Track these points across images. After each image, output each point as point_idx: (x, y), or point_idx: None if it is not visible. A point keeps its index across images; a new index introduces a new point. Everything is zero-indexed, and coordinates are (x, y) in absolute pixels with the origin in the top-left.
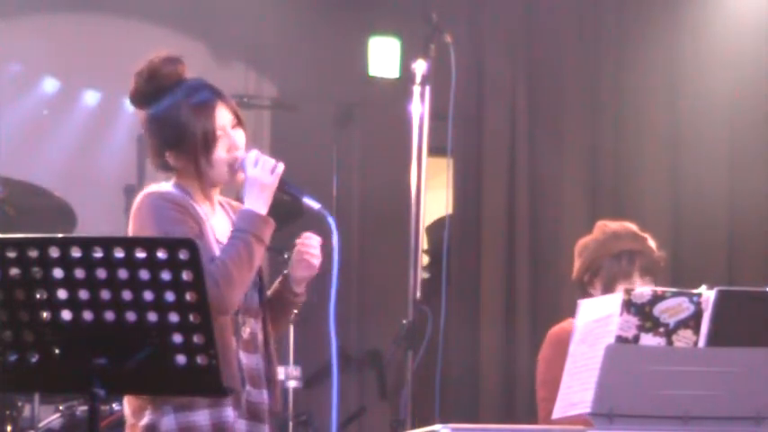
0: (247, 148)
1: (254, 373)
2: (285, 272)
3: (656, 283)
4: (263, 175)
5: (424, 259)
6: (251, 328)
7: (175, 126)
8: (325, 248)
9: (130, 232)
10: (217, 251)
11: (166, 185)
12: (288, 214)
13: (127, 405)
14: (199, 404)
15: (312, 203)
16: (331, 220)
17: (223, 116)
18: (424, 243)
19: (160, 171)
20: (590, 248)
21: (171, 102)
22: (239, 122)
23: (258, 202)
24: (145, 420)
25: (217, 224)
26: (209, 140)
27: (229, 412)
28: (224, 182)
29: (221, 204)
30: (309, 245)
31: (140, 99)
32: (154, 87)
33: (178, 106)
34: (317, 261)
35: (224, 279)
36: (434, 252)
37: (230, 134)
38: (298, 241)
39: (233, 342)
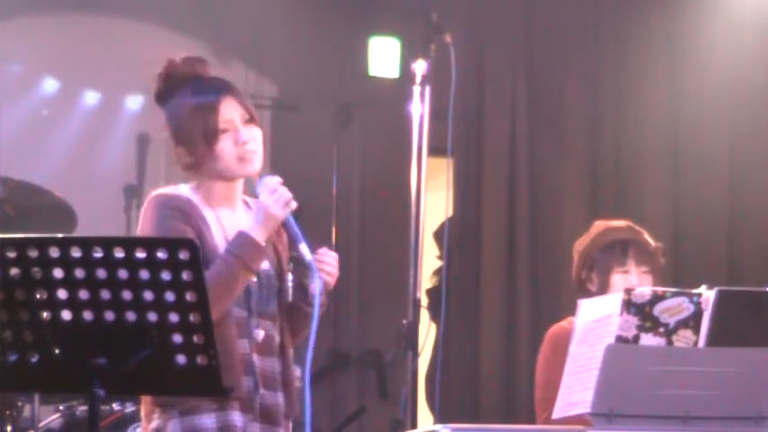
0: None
1: (268, 375)
2: (303, 281)
3: (655, 275)
4: (274, 205)
5: (437, 263)
6: (266, 330)
7: (179, 120)
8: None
9: (138, 230)
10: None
11: (183, 188)
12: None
13: (142, 408)
14: (205, 408)
15: (305, 252)
16: (317, 277)
17: (230, 109)
18: (434, 248)
19: (184, 171)
20: (584, 244)
21: (177, 100)
22: (252, 119)
23: (259, 229)
24: (153, 424)
25: (234, 224)
26: (209, 134)
27: (236, 416)
28: (232, 175)
29: (246, 203)
30: (324, 261)
31: (159, 98)
32: (169, 86)
33: (183, 102)
34: (330, 278)
35: None
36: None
37: (239, 128)
38: (313, 257)
39: (239, 345)
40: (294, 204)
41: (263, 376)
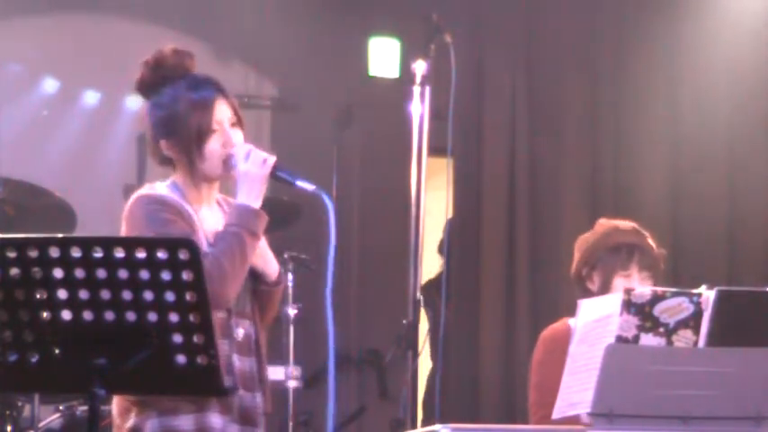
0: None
1: (247, 376)
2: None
3: (655, 280)
4: (253, 167)
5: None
6: (245, 330)
7: (172, 115)
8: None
9: (123, 234)
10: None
11: (161, 186)
12: (287, 215)
13: (114, 406)
14: (183, 409)
15: (306, 185)
16: (327, 200)
17: (222, 111)
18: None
19: (160, 165)
20: (589, 242)
21: (172, 92)
22: (239, 122)
23: (250, 196)
24: (130, 423)
25: (211, 224)
26: (203, 133)
27: (215, 417)
28: (216, 177)
29: (219, 203)
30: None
31: (144, 88)
32: (158, 77)
33: (177, 97)
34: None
35: (217, 274)
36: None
37: (227, 130)
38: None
39: (221, 346)
40: (273, 159)
41: (242, 377)
